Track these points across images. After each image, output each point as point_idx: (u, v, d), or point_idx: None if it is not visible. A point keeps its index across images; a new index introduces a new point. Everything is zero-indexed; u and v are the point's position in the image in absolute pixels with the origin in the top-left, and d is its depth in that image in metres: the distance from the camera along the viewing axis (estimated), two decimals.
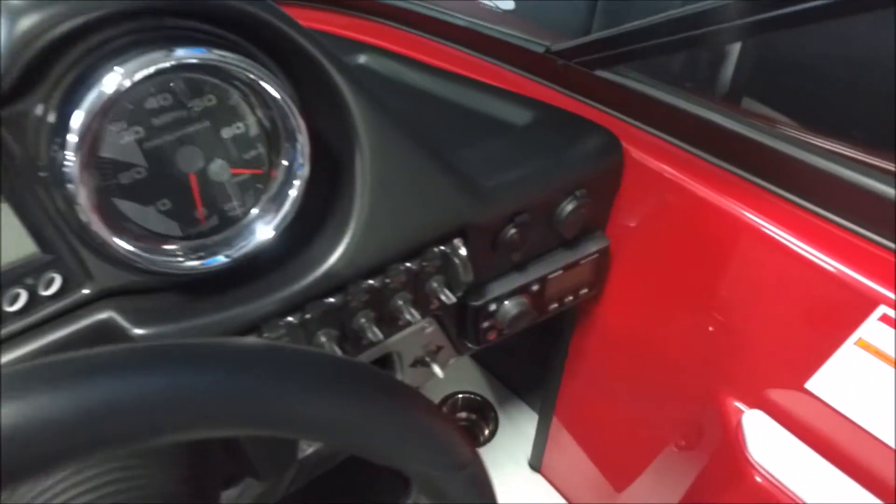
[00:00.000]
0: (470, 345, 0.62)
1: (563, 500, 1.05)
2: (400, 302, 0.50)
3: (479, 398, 1.15)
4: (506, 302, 0.59)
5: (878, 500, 0.55)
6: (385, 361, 0.58)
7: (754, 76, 0.71)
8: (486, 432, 1.13)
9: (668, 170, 0.59)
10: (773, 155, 0.54)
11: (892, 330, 0.48)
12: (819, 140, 0.55)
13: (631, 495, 0.87)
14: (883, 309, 0.48)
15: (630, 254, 0.68)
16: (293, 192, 0.44)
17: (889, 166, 0.50)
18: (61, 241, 0.37)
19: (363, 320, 0.48)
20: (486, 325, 0.59)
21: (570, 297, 0.66)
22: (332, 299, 0.46)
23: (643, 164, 0.60)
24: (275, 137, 0.44)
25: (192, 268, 0.40)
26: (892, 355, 0.49)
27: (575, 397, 0.92)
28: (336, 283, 0.46)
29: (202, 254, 0.41)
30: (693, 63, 0.69)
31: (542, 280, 0.60)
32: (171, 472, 0.40)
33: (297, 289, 0.45)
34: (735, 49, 0.71)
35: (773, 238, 0.53)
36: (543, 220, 0.57)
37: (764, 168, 0.56)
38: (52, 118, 0.33)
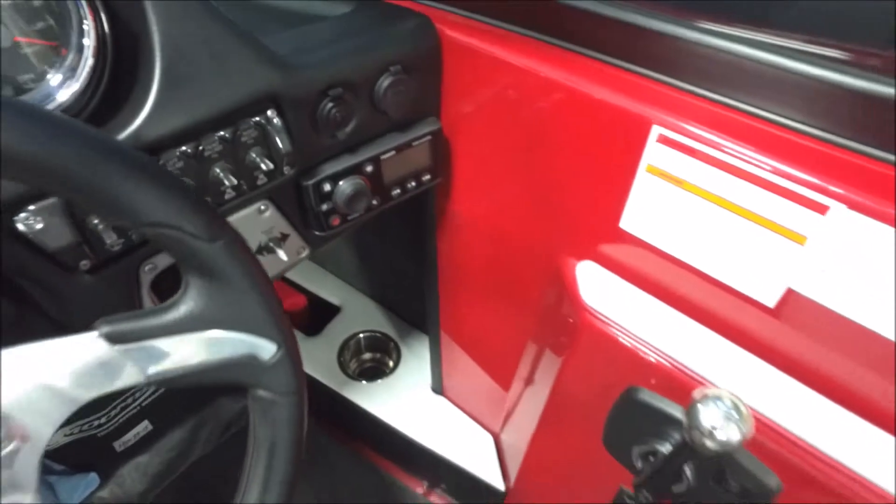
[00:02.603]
0: (317, 232, 0.65)
1: (466, 416, 1.09)
2: (218, 170, 0.52)
3: (379, 335, 1.18)
4: (340, 182, 0.62)
5: (696, 322, 0.61)
6: None
7: None
8: (391, 364, 1.16)
9: (478, 43, 0.63)
10: (561, 12, 0.59)
11: (669, 149, 0.54)
12: None
13: (515, 389, 0.92)
14: (657, 130, 0.53)
15: (467, 138, 0.72)
16: (86, 65, 0.46)
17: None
18: None
19: None
20: (325, 207, 0.62)
21: (413, 183, 0.69)
22: None
23: (460, 43, 0.64)
24: (64, 10, 0.46)
25: None
26: (677, 175, 0.55)
27: (452, 308, 0.96)
28: (145, 146, 0.48)
29: None
30: None
31: (376, 161, 0.64)
32: None
33: None
34: None
35: (564, 85, 0.58)
36: (364, 99, 0.60)
37: (557, 27, 0.61)
38: None
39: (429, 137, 0.67)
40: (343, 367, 1.14)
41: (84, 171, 0.29)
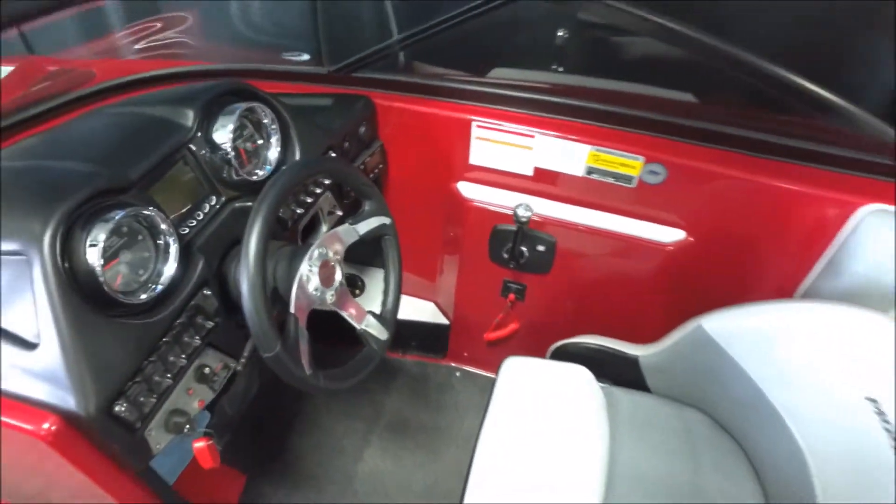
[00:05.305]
0: (345, 201, 1.43)
1: (415, 298, 1.92)
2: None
3: (347, 274, 1.95)
4: None
5: (511, 191, 1.50)
6: (314, 217, 1.36)
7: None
8: (357, 292, 1.94)
9: (389, 103, 1.46)
10: (419, 82, 1.44)
11: (485, 129, 1.41)
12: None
13: (439, 272, 1.77)
14: (475, 122, 1.41)
15: (393, 146, 1.54)
16: (274, 149, 1.21)
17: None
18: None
19: (312, 187, 1.26)
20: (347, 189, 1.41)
21: (376, 171, 1.50)
22: None
23: (383, 104, 1.46)
24: (267, 133, 1.19)
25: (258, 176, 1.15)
26: (486, 137, 1.43)
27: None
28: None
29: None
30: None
31: (364, 163, 1.44)
32: None
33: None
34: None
35: (429, 113, 1.43)
36: (356, 139, 1.40)
37: (422, 90, 1.45)
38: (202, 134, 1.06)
39: (379, 149, 1.48)
40: None
41: (342, 172, 1.07)
